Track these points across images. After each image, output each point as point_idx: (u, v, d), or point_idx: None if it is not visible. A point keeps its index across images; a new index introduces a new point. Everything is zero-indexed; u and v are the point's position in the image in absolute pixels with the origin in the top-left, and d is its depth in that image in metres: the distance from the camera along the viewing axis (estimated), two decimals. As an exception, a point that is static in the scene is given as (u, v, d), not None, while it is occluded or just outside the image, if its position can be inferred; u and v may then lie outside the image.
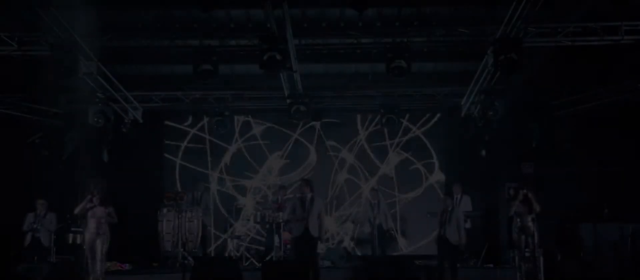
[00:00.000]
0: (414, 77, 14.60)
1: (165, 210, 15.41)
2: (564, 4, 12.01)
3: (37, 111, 15.84)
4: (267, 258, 15.20)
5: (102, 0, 12.08)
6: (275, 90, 15.73)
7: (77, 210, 12.99)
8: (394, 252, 16.67)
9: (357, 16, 12.86)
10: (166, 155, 17.82)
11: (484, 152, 16.48)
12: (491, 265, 15.31)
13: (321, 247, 14.31)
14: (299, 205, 12.61)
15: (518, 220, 13.23)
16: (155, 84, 16.50)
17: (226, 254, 16.38)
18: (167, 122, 17.82)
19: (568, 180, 16.72)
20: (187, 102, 16.14)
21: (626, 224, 14.26)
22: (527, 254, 13.32)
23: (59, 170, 16.21)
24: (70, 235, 14.56)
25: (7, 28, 12.39)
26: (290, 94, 15.26)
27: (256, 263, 15.21)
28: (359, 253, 15.68)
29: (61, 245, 14.41)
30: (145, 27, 13.83)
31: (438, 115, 17.59)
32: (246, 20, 13.76)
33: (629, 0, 10.35)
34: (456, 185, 15.95)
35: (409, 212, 17.63)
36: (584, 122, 15.56)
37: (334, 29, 13.75)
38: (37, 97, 15.60)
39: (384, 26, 13.75)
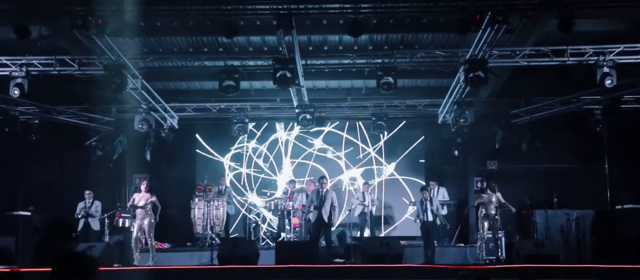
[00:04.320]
0: (400, 91, 14.77)
1: (196, 199, 15.39)
2: (521, 32, 12.03)
3: (93, 119, 15.83)
4: (280, 239, 15.28)
5: (145, 29, 12.19)
6: (286, 102, 15.71)
7: (129, 204, 13.12)
8: (380, 233, 16.66)
9: (353, 41, 13.00)
10: (197, 151, 17.79)
11: (456, 152, 16.53)
12: (462, 245, 15.39)
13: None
14: (315, 197, 12.94)
15: (482, 209, 13.31)
16: (188, 97, 16.53)
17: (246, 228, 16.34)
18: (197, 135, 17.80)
19: (525, 175, 16.82)
20: (214, 112, 16.15)
21: (571, 211, 14.32)
22: (488, 236, 13.44)
23: (110, 167, 16.33)
24: (120, 220, 14.63)
25: (70, 53, 12.44)
26: (299, 105, 15.20)
27: (271, 243, 15.27)
28: (354, 234, 15.67)
29: (113, 229, 14.48)
30: (180, 50, 13.95)
31: (419, 121, 17.53)
32: (262, 44, 13.83)
33: (572, 30, 10.40)
34: (432, 182, 15.97)
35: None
36: (538, 128, 15.54)
37: (334, 52, 13.82)
38: (93, 108, 15.66)
39: (375, 49, 13.83)
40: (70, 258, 3.43)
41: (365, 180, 16.90)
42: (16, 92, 12.24)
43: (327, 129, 17.62)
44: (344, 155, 17.74)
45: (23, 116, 14.82)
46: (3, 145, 15.11)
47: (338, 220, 15.07)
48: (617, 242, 13.56)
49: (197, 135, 17.70)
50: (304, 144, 17.84)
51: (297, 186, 16.17)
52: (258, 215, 16.10)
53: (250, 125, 16.88)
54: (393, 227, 17.30)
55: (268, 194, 16.82)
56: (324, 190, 13.28)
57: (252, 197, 16.99)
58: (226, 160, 17.74)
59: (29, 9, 10.45)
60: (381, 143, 17.62)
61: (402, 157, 17.60)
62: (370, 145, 17.73)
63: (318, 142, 17.76)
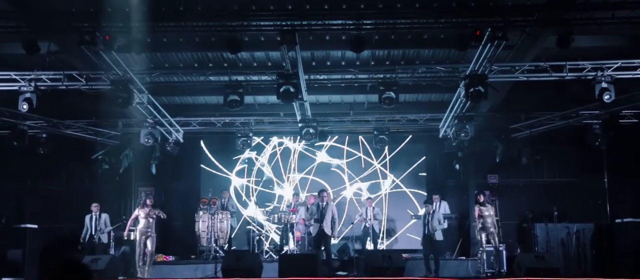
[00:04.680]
0: (401, 105, 14.78)
1: (201, 212, 15.40)
2: (520, 48, 12.07)
3: (100, 133, 15.85)
4: (283, 252, 15.26)
5: (151, 45, 12.27)
6: (289, 116, 15.73)
7: (133, 216, 13.15)
8: (382, 246, 16.60)
9: (355, 57, 13.03)
10: (202, 166, 17.84)
11: (457, 166, 16.55)
12: (463, 258, 15.35)
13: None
14: (316, 210, 12.91)
15: (481, 221, 13.30)
16: (193, 111, 16.56)
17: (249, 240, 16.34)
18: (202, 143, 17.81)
19: (525, 189, 16.84)
20: (219, 126, 16.17)
21: (572, 224, 14.31)
22: (488, 249, 13.41)
23: (116, 180, 16.36)
24: (125, 233, 14.62)
25: (78, 68, 12.50)
26: (302, 119, 15.21)
27: (274, 255, 15.25)
28: (356, 247, 15.65)
29: (118, 241, 14.48)
30: (186, 65, 14.01)
31: (420, 135, 17.52)
32: (266, 60, 13.88)
33: (570, 46, 10.44)
34: (435, 196, 15.96)
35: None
36: (538, 142, 15.56)
37: (337, 67, 13.85)
38: (100, 122, 15.70)
39: (377, 65, 13.86)
40: (66, 267, 3.52)
41: (369, 194, 16.86)
42: (25, 106, 12.29)
43: (329, 143, 17.62)
44: (347, 165, 17.73)
45: (31, 130, 14.86)
46: (11, 158, 15.17)
47: (338, 231, 15.04)
48: (617, 256, 13.55)
49: (202, 144, 17.67)
50: (305, 158, 17.85)
51: (302, 199, 16.16)
52: (261, 226, 16.11)
53: (259, 139, 16.91)
54: (394, 238, 17.25)
55: (271, 207, 16.83)
56: (325, 203, 13.26)
57: (253, 210, 16.95)
58: (233, 176, 17.72)
59: (38, 25, 10.53)
60: (387, 159, 17.63)
61: (406, 172, 17.61)
62: (374, 158, 17.71)
63: (322, 155, 17.76)
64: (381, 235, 16.39)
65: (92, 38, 10.29)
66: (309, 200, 15.00)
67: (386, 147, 16.74)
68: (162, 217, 13.08)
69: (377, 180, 17.69)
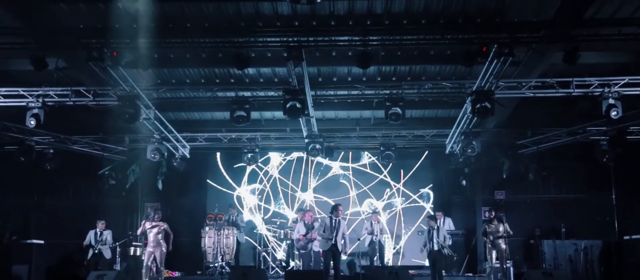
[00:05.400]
0: (408, 121, 14.75)
1: (207, 228, 15.37)
2: (526, 64, 12.06)
3: (107, 149, 15.90)
4: (289, 268, 15.18)
5: (158, 61, 12.32)
6: (296, 132, 15.70)
7: (139, 231, 13.12)
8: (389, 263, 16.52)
9: (362, 72, 13.00)
10: (208, 181, 17.83)
11: (464, 182, 16.49)
12: (470, 274, 15.26)
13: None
14: (328, 226, 12.66)
15: (489, 239, 13.21)
16: (200, 127, 16.57)
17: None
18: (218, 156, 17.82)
19: (532, 205, 16.77)
20: (226, 142, 16.16)
21: (580, 241, 14.22)
22: (496, 265, 13.31)
23: (123, 196, 16.37)
24: (131, 248, 14.64)
25: (86, 84, 12.54)
26: (308, 135, 15.21)
27: (280, 271, 15.18)
28: (363, 263, 15.55)
29: (124, 256, 14.46)
30: (192, 81, 14.05)
31: (426, 152, 17.53)
32: (273, 76, 13.91)
33: (577, 62, 10.43)
34: (438, 213, 15.89)
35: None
36: (545, 158, 15.51)
37: (343, 83, 13.86)
38: (107, 137, 15.73)
39: (383, 80, 13.87)
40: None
41: (374, 209, 16.80)
42: (32, 122, 12.31)
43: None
44: (353, 180, 17.75)
45: (38, 146, 14.92)
46: (18, 174, 15.21)
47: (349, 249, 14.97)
48: (625, 272, 13.44)
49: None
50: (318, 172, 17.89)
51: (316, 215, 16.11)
52: (267, 243, 16.08)
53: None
54: (400, 254, 17.18)
55: (278, 223, 16.80)
56: (338, 218, 12.74)
57: (260, 225, 16.92)
58: (245, 192, 17.69)
59: (46, 42, 10.58)
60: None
61: (418, 192, 17.62)
62: (388, 177, 17.68)
63: (336, 167, 17.82)
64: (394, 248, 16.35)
65: (99, 54, 10.33)
66: (305, 216, 14.89)
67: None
68: (168, 233, 13.05)
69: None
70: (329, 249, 12.62)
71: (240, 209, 17.12)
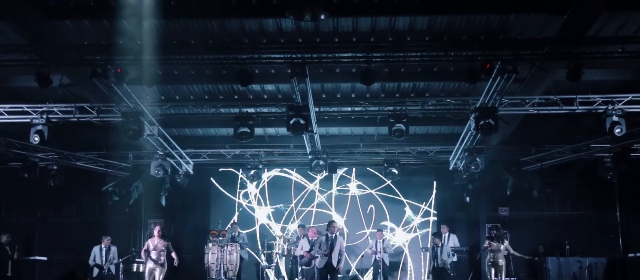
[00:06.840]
0: (411, 138, 14.64)
1: (210, 244, 15.25)
2: (530, 81, 12.03)
3: (110, 165, 15.90)
4: (292, 285, 15.08)
5: (162, 77, 12.32)
6: (299, 148, 15.69)
7: (144, 248, 13.02)
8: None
9: (365, 89, 12.92)
10: (212, 199, 17.76)
11: (468, 199, 16.42)
12: (475, 291, 15.16)
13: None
14: (324, 242, 12.56)
15: (491, 255, 13.12)
16: (203, 143, 16.53)
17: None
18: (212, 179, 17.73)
19: (536, 222, 16.68)
20: (229, 158, 16.14)
21: (584, 258, 14.13)
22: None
23: (126, 212, 16.32)
24: (135, 265, 14.56)
25: (90, 100, 12.55)
26: (312, 151, 15.18)
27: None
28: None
29: (127, 273, 14.39)
30: (196, 98, 14.05)
31: (430, 168, 17.40)
32: (276, 92, 13.91)
33: (581, 79, 10.40)
34: (443, 226, 15.83)
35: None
36: (548, 175, 15.45)
37: (347, 99, 13.87)
38: (111, 154, 15.72)
39: (387, 97, 13.87)
40: None
41: (378, 227, 16.71)
42: (36, 139, 12.30)
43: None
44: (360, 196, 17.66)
45: (42, 162, 14.90)
46: (22, 190, 15.18)
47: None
48: (631, 290, 13.33)
49: (212, 180, 17.67)
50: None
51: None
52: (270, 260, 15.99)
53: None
54: (404, 272, 17.07)
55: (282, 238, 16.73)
56: (333, 235, 12.67)
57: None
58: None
59: (51, 58, 10.59)
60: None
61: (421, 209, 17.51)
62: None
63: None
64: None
65: (103, 71, 10.33)
66: (307, 231, 14.80)
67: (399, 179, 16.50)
68: (171, 251, 12.95)
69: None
70: (324, 266, 12.50)
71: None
